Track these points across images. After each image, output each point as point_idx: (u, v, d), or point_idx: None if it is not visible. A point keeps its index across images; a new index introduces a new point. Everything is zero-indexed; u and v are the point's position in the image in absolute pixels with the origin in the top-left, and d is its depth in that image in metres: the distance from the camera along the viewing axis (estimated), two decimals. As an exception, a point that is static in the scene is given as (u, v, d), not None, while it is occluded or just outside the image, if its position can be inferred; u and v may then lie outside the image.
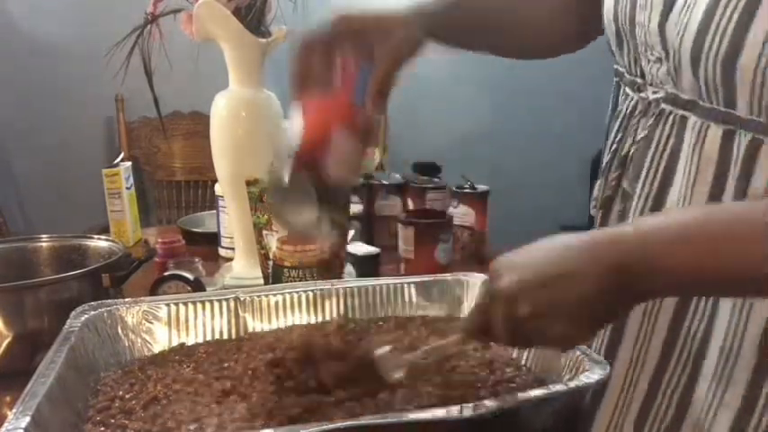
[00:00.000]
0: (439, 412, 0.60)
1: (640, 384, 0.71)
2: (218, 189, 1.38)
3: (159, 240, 1.26)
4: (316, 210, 0.71)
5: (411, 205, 1.49)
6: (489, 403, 0.60)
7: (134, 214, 1.53)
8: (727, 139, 0.62)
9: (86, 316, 0.81)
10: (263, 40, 1.22)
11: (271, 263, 1.05)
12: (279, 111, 1.27)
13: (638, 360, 0.71)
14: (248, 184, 1.12)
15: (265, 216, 1.11)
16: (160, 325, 0.86)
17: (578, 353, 0.71)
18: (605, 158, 0.78)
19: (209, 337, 0.87)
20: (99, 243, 1.11)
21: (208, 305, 0.88)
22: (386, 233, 1.43)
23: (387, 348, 0.70)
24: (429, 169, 1.58)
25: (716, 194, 0.63)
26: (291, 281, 1.00)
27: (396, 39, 0.72)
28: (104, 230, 1.51)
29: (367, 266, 1.21)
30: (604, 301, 0.56)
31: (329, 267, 1.03)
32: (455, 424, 0.59)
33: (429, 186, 1.50)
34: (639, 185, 0.71)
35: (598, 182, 0.79)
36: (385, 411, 0.65)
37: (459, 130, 2.84)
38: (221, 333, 0.87)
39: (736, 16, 0.57)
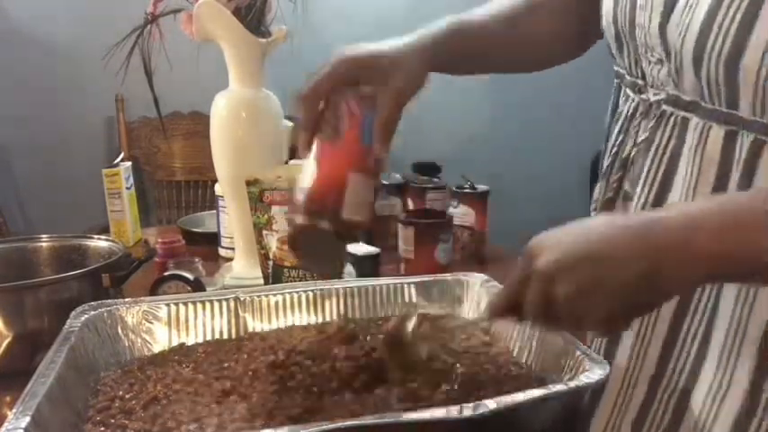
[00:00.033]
0: (439, 412, 0.60)
1: (639, 385, 0.71)
2: (218, 189, 1.38)
3: (159, 240, 1.26)
4: (338, 251, 0.74)
5: (411, 205, 1.49)
6: (489, 403, 0.60)
7: (134, 214, 1.53)
8: (730, 139, 0.62)
9: (86, 316, 0.81)
10: (263, 40, 1.22)
11: (271, 263, 1.05)
12: (279, 111, 1.27)
13: (636, 361, 0.71)
14: (248, 184, 1.12)
15: (265, 216, 1.11)
16: (160, 325, 0.86)
17: (578, 353, 0.71)
18: (606, 160, 0.78)
19: (209, 337, 0.87)
20: (99, 243, 1.11)
21: (208, 305, 0.88)
22: (386, 233, 1.43)
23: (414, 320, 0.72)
24: (429, 169, 1.58)
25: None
26: (291, 281, 1.00)
27: (396, 81, 0.73)
28: (104, 230, 1.51)
29: (367, 266, 1.21)
30: (649, 286, 0.54)
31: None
32: (455, 424, 0.59)
33: (429, 186, 1.50)
34: (639, 187, 0.70)
35: (599, 184, 0.79)
36: (385, 411, 0.65)
37: (459, 131, 2.84)
38: (221, 333, 0.87)
39: (739, 16, 0.57)
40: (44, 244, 1.11)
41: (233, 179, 1.24)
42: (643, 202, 0.70)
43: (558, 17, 0.85)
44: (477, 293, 0.93)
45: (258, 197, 1.11)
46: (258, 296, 0.90)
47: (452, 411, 0.59)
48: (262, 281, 1.13)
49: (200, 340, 0.86)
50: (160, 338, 0.85)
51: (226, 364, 0.79)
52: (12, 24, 2.47)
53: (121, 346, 0.83)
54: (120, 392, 0.73)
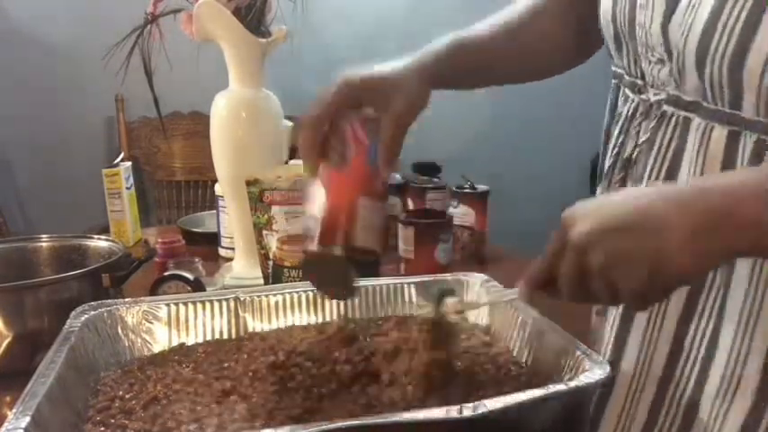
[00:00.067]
0: (439, 412, 0.59)
1: (647, 390, 0.71)
2: (218, 189, 1.38)
3: (159, 240, 1.26)
4: (352, 276, 0.74)
5: (411, 205, 1.49)
6: (489, 403, 0.60)
7: (134, 214, 1.53)
8: (733, 139, 0.61)
9: (86, 316, 0.81)
10: (263, 40, 1.22)
11: (271, 263, 1.05)
12: (279, 111, 1.27)
13: (644, 366, 0.71)
14: (248, 184, 1.12)
15: (265, 216, 1.11)
16: (160, 325, 0.86)
17: (578, 353, 0.71)
18: (607, 162, 0.77)
19: (209, 337, 0.87)
20: (99, 243, 1.11)
21: (208, 305, 0.88)
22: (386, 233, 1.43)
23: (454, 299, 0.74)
24: (429, 169, 1.58)
25: None
26: (291, 281, 1.00)
27: (397, 105, 0.73)
28: (104, 230, 1.51)
29: (367, 266, 1.21)
30: (689, 255, 0.52)
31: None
32: (455, 424, 0.59)
33: (429, 186, 1.50)
34: (642, 186, 0.70)
35: (600, 185, 0.79)
36: (385, 411, 0.65)
37: (459, 131, 2.84)
38: (221, 333, 0.87)
39: (743, 17, 0.57)
40: (44, 244, 1.11)
41: (233, 179, 1.24)
42: None
43: (558, 27, 0.86)
44: (477, 293, 0.92)
45: (258, 197, 1.11)
46: (258, 296, 0.90)
47: (452, 411, 0.59)
48: (262, 281, 1.13)
49: (200, 340, 0.86)
50: (160, 338, 0.85)
51: (226, 365, 0.79)
52: (12, 24, 2.47)
53: (121, 346, 0.83)
54: (120, 392, 0.73)
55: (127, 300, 0.86)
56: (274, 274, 1.03)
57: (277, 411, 0.67)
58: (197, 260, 1.19)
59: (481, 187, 1.47)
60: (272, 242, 1.07)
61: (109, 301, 0.86)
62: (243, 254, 1.28)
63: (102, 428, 0.67)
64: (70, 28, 2.46)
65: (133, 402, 0.71)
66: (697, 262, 0.53)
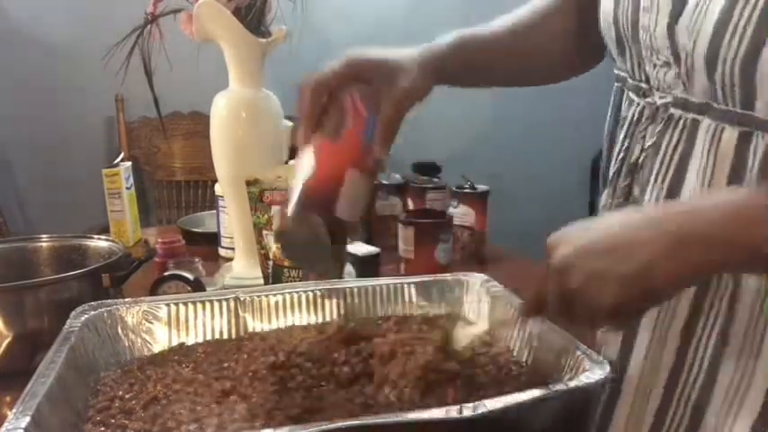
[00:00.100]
0: (439, 412, 0.60)
1: (653, 395, 0.70)
2: (218, 189, 1.38)
3: (159, 240, 1.26)
4: (329, 248, 0.72)
5: (411, 205, 1.49)
6: (489, 403, 0.60)
7: (134, 214, 1.53)
8: (744, 140, 0.61)
9: (86, 316, 0.81)
10: (263, 40, 1.22)
11: (271, 263, 1.05)
12: (279, 111, 1.27)
13: (650, 370, 0.70)
14: (248, 184, 1.12)
15: (265, 216, 1.11)
16: (160, 325, 0.86)
17: (578, 353, 0.71)
18: (612, 167, 0.77)
19: (209, 337, 0.87)
20: (99, 243, 1.11)
21: (208, 305, 0.88)
22: (386, 233, 1.43)
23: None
24: (429, 169, 1.58)
25: None
26: (291, 281, 1.00)
27: (401, 87, 0.73)
28: (104, 230, 1.51)
29: (367, 266, 1.21)
30: (664, 273, 0.55)
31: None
32: (455, 424, 0.59)
33: (429, 186, 1.50)
34: (648, 191, 0.70)
35: (606, 190, 0.78)
36: (384, 411, 0.65)
37: (460, 131, 2.84)
38: (221, 333, 0.87)
39: (755, 17, 0.56)
40: (44, 244, 1.11)
41: (233, 179, 1.24)
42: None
43: (567, 31, 0.85)
44: (477, 293, 0.92)
45: (258, 197, 1.11)
46: (258, 296, 0.90)
47: (452, 411, 0.59)
48: (262, 281, 1.13)
49: (200, 340, 0.86)
50: (160, 338, 0.85)
51: (225, 365, 0.79)
52: (12, 24, 2.47)
53: (121, 346, 0.83)
54: (120, 392, 0.73)
55: (127, 300, 0.86)
56: (274, 274, 1.03)
57: (276, 411, 0.67)
58: (197, 260, 1.19)
59: (481, 187, 1.47)
60: (272, 242, 1.07)
61: (109, 301, 0.86)
62: (243, 254, 1.28)
63: (102, 428, 0.67)
64: (70, 28, 2.46)
65: (133, 402, 0.71)
66: (667, 282, 0.56)
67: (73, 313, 0.81)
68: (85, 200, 2.04)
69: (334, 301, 0.91)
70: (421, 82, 0.75)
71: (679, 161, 0.67)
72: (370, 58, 0.75)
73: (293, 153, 1.35)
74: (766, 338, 0.62)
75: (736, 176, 0.62)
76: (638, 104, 0.72)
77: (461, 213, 1.43)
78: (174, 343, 0.85)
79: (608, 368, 0.68)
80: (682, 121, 0.66)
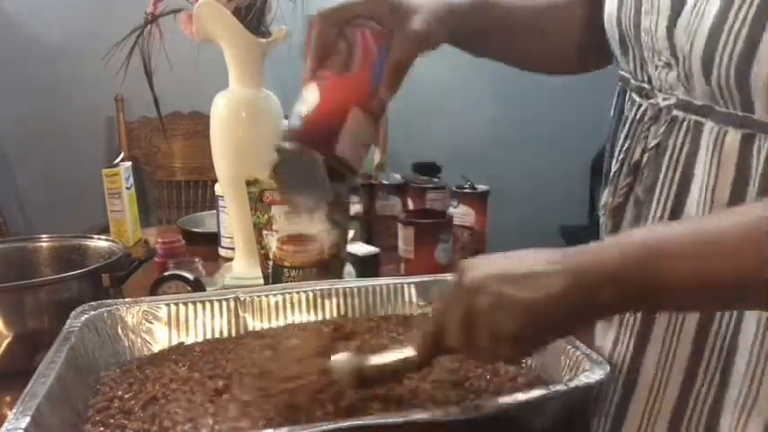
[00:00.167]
0: (438, 412, 0.60)
1: (668, 393, 0.69)
2: (218, 189, 1.38)
3: (159, 240, 1.26)
4: (324, 186, 0.69)
5: (411, 205, 1.49)
6: (489, 404, 0.60)
7: (134, 214, 1.53)
8: (747, 143, 0.61)
9: (86, 316, 0.81)
10: (263, 40, 1.22)
11: (271, 263, 1.05)
12: (279, 111, 1.27)
13: (664, 368, 0.70)
14: (248, 184, 1.12)
15: (265, 216, 1.11)
16: (160, 325, 0.86)
17: (578, 353, 0.71)
18: (614, 166, 0.76)
19: (209, 337, 0.87)
20: (99, 243, 1.11)
21: (208, 305, 0.88)
22: (386, 233, 1.43)
23: (344, 355, 0.69)
24: (429, 169, 1.58)
25: (736, 199, 0.62)
26: (291, 281, 1.00)
27: (414, 25, 0.72)
28: (104, 230, 1.51)
29: (367, 266, 1.21)
30: (567, 307, 0.56)
31: (329, 267, 1.03)
32: (455, 424, 0.59)
33: (429, 186, 1.50)
34: (657, 193, 0.69)
35: (606, 189, 0.78)
36: (384, 412, 0.65)
37: (460, 131, 2.84)
38: (221, 333, 0.87)
39: (750, 19, 0.56)
40: (44, 244, 1.11)
41: (233, 179, 1.24)
42: (662, 208, 0.69)
43: (580, 21, 0.85)
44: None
45: (258, 197, 1.11)
46: (258, 296, 0.90)
47: (452, 412, 0.59)
48: (262, 281, 1.13)
49: (200, 340, 0.86)
50: (160, 338, 0.85)
51: (221, 363, 0.79)
52: (12, 24, 2.47)
53: (121, 346, 0.83)
54: (120, 392, 0.73)
55: (127, 300, 0.87)
56: (274, 274, 1.03)
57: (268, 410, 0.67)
58: (197, 260, 1.19)
59: (481, 187, 1.47)
60: (272, 242, 1.07)
61: (109, 301, 0.86)
62: (243, 254, 1.28)
63: (102, 428, 0.67)
64: (70, 28, 2.46)
65: (132, 402, 0.71)
66: (565, 316, 0.57)
67: (73, 313, 0.81)
68: (85, 200, 2.04)
69: (334, 301, 0.91)
70: (434, 30, 0.74)
71: (685, 163, 0.66)
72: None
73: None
74: None
75: (740, 179, 0.62)
76: (640, 105, 0.72)
77: (461, 213, 1.43)
78: (174, 343, 0.85)
79: (608, 368, 0.68)
80: (685, 123, 0.66)
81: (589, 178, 2.81)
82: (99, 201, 1.52)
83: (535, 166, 2.91)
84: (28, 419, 0.58)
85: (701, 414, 0.67)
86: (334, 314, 0.91)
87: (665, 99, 0.68)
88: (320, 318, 0.90)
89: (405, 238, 1.27)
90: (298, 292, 0.91)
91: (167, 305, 0.87)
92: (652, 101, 0.70)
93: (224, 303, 0.88)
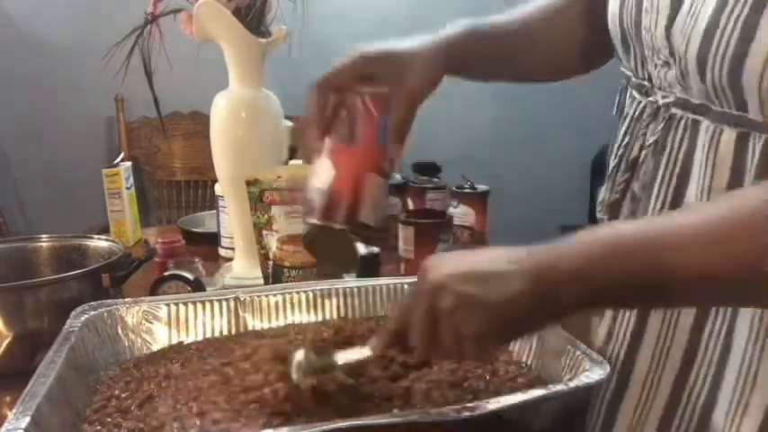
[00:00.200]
0: (439, 412, 0.60)
1: (661, 391, 0.70)
2: (218, 189, 1.38)
3: (159, 240, 1.26)
4: (352, 252, 0.73)
5: (411, 205, 1.49)
6: (489, 403, 0.60)
7: (134, 214, 1.53)
8: (741, 141, 0.61)
9: (86, 316, 0.81)
10: (263, 40, 1.22)
11: (271, 263, 1.05)
12: (279, 111, 1.27)
13: (658, 366, 0.70)
14: (248, 184, 1.12)
15: (265, 216, 1.11)
16: (160, 325, 0.86)
17: (578, 353, 0.71)
18: (612, 162, 0.77)
19: (208, 337, 0.87)
20: (99, 243, 1.11)
21: (208, 305, 0.88)
22: (386, 233, 1.42)
23: (302, 353, 0.69)
24: (429, 169, 1.58)
25: None
26: (291, 281, 1.00)
27: (410, 81, 0.73)
28: (104, 230, 1.51)
29: (367, 266, 1.21)
30: (529, 305, 0.56)
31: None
32: (454, 424, 0.59)
33: (429, 186, 1.50)
34: (655, 190, 0.70)
35: (604, 186, 0.78)
36: (384, 412, 0.65)
37: (460, 131, 2.84)
38: (221, 333, 0.87)
39: (742, 19, 0.57)
40: (44, 244, 1.11)
41: (233, 179, 1.24)
42: (660, 205, 0.69)
43: (581, 24, 0.85)
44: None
45: (258, 197, 1.11)
46: (258, 296, 0.90)
47: (452, 412, 0.59)
48: (262, 281, 1.13)
49: (200, 340, 0.86)
50: (160, 338, 0.85)
51: (217, 361, 0.78)
52: (12, 24, 2.47)
53: (121, 346, 0.83)
54: (117, 391, 0.73)
55: (127, 300, 0.87)
56: (274, 274, 1.03)
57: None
58: (197, 260, 1.19)
59: (481, 187, 1.47)
60: (272, 242, 1.07)
61: (109, 301, 0.86)
62: (243, 254, 1.28)
63: (99, 427, 0.67)
64: (70, 28, 2.46)
65: (129, 402, 0.71)
66: (532, 316, 0.58)
67: (73, 313, 0.81)
68: (85, 200, 2.04)
69: (334, 301, 0.91)
70: (430, 76, 0.75)
71: (683, 161, 0.67)
72: (376, 54, 0.74)
73: (293, 153, 1.35)
74: None
75: (735, 176, 0.62)
76: (640, 102, 0.73)
77: (461, 213, 1.43)
78: (174, 343, 0.85)
79: (608, 368, 0.68)
80: (683, 122, 0.67)
81: (589, 178, 2.81)
82: (99, 201, 1.52)
83: (535, 166, 2.91)
84: (28, 419, 0.58)
85: (694, 412, 0.68)
86: (334, 314, 0.91)
87: (663, 97, 0.69)
88: (320, 318, 0.90)
89: (405, 238, 1.27)
90: (298, 292, 0.91)
91: (167, 305, 0.87)
92: (651, 99, 0.71)
93: (224, 303, 0.88)
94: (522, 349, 0.81)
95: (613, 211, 0.76)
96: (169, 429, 0.65)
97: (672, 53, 0.65)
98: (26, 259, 1.10)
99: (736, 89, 0.59)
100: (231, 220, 1.33)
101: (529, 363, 0.79)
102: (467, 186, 1.47)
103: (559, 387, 0.65)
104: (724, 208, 0.56)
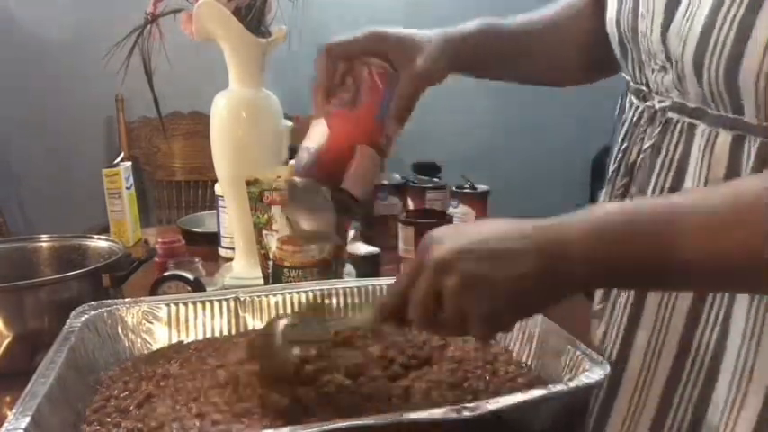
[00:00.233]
0: (438, 412, 0.59)
1: (654, 388, 0.70)
2: (218, 189, 1.38)
3: (159, 240, 1.26)
4: (331, 219, 0.73)
5: (411, 205, 1.49)
6: (489, 403, 0.60)
7: (134, 214, 1.53)
8: (737, 144, 0.61)
9: (86, 316, 0.81)
10: (263, 40, 1.22)
11: (271, 263, 1.05)
12: (279, 111, 1.27)
13: (650, 363, 0.70)
14: (248, 184, 1.12)
15: (265, 216, 1.11)
16: (160, 325, 0.86)
17: (578, 353, 0.71)
18: (611, 167, 0.77)
19: (208, 337, 0.87)
20: (99, 243, 1.11)
21: (208, 305, 0.88)
22: (386, 233, 1.43)
23: (285, 322, 0.67)
24: (429, 169, 1.58)
25: None
26: (291, 281, 1.00)
27: (420, 62, 0.74)
28: (104, 230, 1.51)
29: (367, 266, 1.21)
30: (544, 283, 0.55)
31: (329, 267, 1.03)
32: (454, 424, 0.59)
33: (429, 186, 1.50)
34: (649, 193, 0.70)
35: (604, 190, 0.79)
36: (383, 412, 0.65)
37: (460, 131, 2.84)
38: (221, 333, 0.87)
39: (738, 19, 0.57)
40: (44, 244, 1.11)
41: (233, 179, 1.24)
42: None
43: (583, 35, 0.85)
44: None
45: (258, 197, 1.11)
46: (258, 296, 0.90)
47: (452, 412, 0.59)
48: (262, 281, 1.13)
49: (200, 340, 0.86)
50: (160, 338, 0.85)
51: (213, 361, 0.78)
52: (12, 24, 2.47)
53: (121, 346, 0.83)
54: (116, 391, 0.73)
55: (127, 300, 0.86)
56: (274, 274, 1.03)
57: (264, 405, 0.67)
58: (197, 260, 1.19)
59: (481, 187, 1.47)
60: (272, 242, 1.07)
61: (109, 301, 0.86)
62: (243, 254, 1.28)
63: (98, 427, 0.67)
64: (70, 28, 2.46)
65: (128, 401, 0.71)
66: (541, 295, 0.57)
67: (73, 313, 0.81)
68: (85, 200, 2.04)
69: (335, 301, 0.91)
70: (440, 64, 0.76)
71: (678, 164, 0.67)
72: (391, 34, 0.75)
73: (293, 153, 1.35)
74: (763, 339, 0.62)
75: (731, 179, 0.62)
76: (638, 107, 0.73)
77: (461, 213, 1.43)
78: (174, 343, 0.85)
79: (608, 368, 0.68)
80: (679, 125, 0.67)
81: (589, 178, 2.81)
82: (99, 201, 1.52)
83: (535, 166, 2.91)
84: (28, 419, 0.58)
85: (686, 411, 0.68)
86: (334, 314, 0.91)
87: (660, 101, 0.69)
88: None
89: (405, 238, 1.28)
90: (298, 292, 0.91)
91: (167, 305, 0.87)
92: (648, 103, 0.71)
93: (224, 303, 0.88)
94: (522, 349, 0.81)
95: None
96: (168, 430, 0.65)
97: (668, 57, 0.65)
98: (26, 259, 1.10)
99: (732, 91, 0.59)
100: (231, 220, 1.33)
101: (529, 363, 0.79)
102: (467, 186, 1.47)
103: (559, 387, 0.65)
104: (726, 195, 0.55)
